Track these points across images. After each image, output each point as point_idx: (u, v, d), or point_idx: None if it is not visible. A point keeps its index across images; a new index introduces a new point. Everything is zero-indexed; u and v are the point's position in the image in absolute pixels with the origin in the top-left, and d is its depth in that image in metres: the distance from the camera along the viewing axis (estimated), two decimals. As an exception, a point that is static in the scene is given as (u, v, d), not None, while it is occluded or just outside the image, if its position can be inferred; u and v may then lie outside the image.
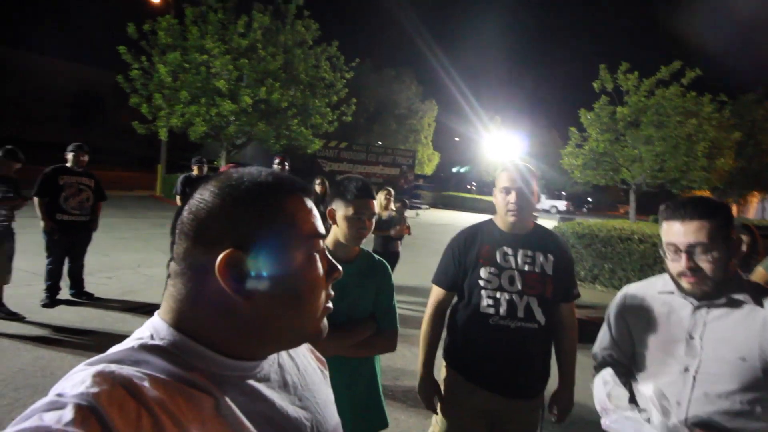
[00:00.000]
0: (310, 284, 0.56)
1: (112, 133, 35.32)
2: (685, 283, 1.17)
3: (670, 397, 1.17)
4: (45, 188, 4.18)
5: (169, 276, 0.54)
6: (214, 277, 0.50)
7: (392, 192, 5.22)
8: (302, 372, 0.66)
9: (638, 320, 1.31)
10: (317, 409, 0.64)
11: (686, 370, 1.16)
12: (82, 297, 4.49)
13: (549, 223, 10.21)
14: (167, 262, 0.55)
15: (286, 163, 5.76)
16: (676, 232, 1.16)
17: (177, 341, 0.50)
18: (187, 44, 11.56)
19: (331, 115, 13.79)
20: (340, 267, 0.61)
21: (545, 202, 33.99)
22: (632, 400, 1.21)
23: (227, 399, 0.51)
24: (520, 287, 1.56)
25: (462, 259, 1.66)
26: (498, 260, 1.60)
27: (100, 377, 0.42)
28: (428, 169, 30.54)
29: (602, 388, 1.26)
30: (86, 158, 4.43)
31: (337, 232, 1.52)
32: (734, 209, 30.45)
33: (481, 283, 1.58)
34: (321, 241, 0.59)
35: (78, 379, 0.43)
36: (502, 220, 1.65)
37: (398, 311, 1.63)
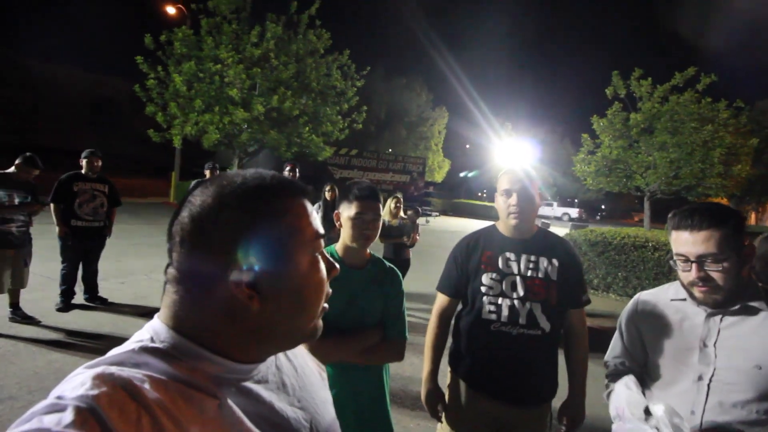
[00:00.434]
0: (315, 286, 0.56)
1: (128, 141, 36.16)
2: (696, 292, 1.15)
3: (684, 406, 1.13)
4: (60, 195, 4.28)
5: (167, 281, 0.53)
6: (217, 282, 0.50)
7: (401, 199, 5.22)
8: (300, 373, 0.67)
9: (651, 328, 1.29)
10: (316, 409, 0.64)
11: (700, 378, 1.14)
12: (95, 302, 4.56)
13: (561, 230, 10.09)
14: (165, 266, 0.54)
15: (297, 170, 5.82)
16: (684, 243, 1.13)
17: (177, 343, 0.50)
18: (202, 54, 11.82)
19: (341, 122, 13.92)
20: (336, 264, 0.61)
21: (557, 210, 33.63)
22: (647, 410, 1.18)
23: (228, 401, 0.50)
24: (522, 293, 1.53)
25: (464, 266, 1.63)
26: (500, 266, 1.57)
27: (100, 379, 0.42)
28: (438, 176, 30.52)
29: (624, 393, 1.23)
30: (99, 163, 4.52)
31: (345, 236, 1.52)
32: (752, 217, 29.73)
33: (483, 289, 1.56)
34: (321, 242, 0.59)
35: (78, 381, 0.43)
36: (505, 224, 1.63)
37: (408, 319, 1.60)
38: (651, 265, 6.80)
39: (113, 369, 0.45)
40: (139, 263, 6.53)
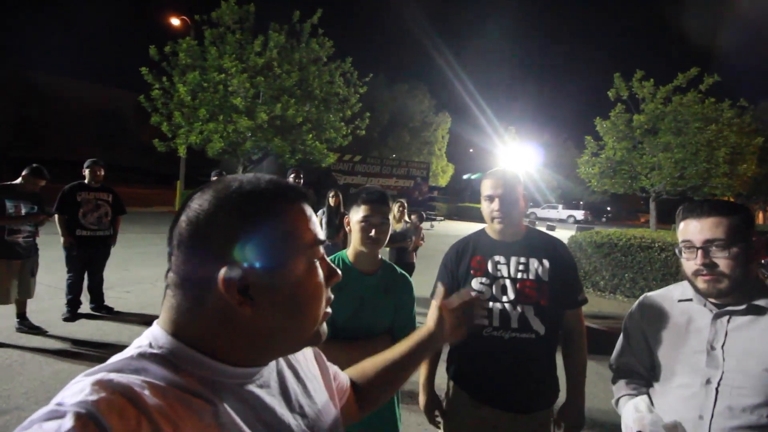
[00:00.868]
0: (311, 292, 0.56)
1: (134, 152, 36.57)
2: (700, 282, 1.11)
3: (692, 411, 1.10)
4: (64, 205, 4.32)
5: (167, 286, 0.53)
6: (214, 287, 0.50)
7: (405, 204, 5.22)
8: (302, 378, 0.66)
9: (656, 329, 1.25)
10: (318, 416, 0.64)
11: (708, 382, 1.10)
12: (102, 311, 4.58)
13: (566, 233, 10.02)
14: (165, 272, 0.54)
15: (302, 176, 5.84)
16: (692, 230, 1.11)
17: (176, 349, 0.50)
18: (206, 64, 11.96)
19: (345, 129, 14.00)
20: (339, 271, 0.60)
21: (562, 212, 33.46)
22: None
23: (226, 406, 0.50)
24: (513, 296, 1.50)
25: (454, 272, 1.61)
26: (489, 270, 1.55)
27: (99, 385, 0.43)
28: (443, 181, 30.52)
29: (632, 415, 1.19)
30: (102, 173, 4.56)
31: (354, 240, 1.52)
32: (760, 216, 29.41)
33: (474, 294, 1.55)
34: (321, 248, 0.58)
35: (77, 388, 0.43)
36: (491, 228, 1.61)
37: (416, 324, 1.59)
38: (658, 266, 6.74)
39: (112, 375, 0.45)
40: (144, 272, 6.56)
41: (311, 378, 0.69)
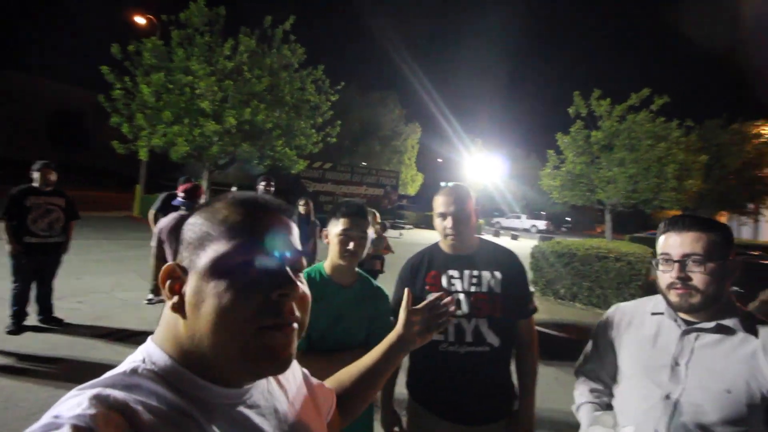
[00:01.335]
0: (226, 295, 0.50)
1: (91, 153, 34.67)
2: (673, 295, 1.12)
3: (648, 424, 1.12)
4: (11, 210, 4.04)
5: (163, 300, 0.56)
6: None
7: (377, 214, 5.27)
8: (291, 398, 0.66)
9: (625, 340, 1.26)
10: None
11: (668, 397, 1.11)
12: (51, 323, 4.31)
13: (530, 242, 10.37)
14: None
15: (272, 184, 5.72)
16: (671, 243, 1.13)
17: (167, 367, 0.51)
18: (172, 65, 11.59)
19: (315, 136, 13.91)
20: (298, 284, 0.56)
21: (525, 222, 34.59)
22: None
23: (215, 428, 0.51)
24: (467, 310, 1.52)
25: (410, 287, 1.60)
26: (444, 284, 1.56)
27: (97, 400, 0.43)
28: (412, 190, 30.83)
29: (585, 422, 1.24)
30: (54, 176, 4.28)
31: (332, 253, 1.53)
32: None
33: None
34: (258, 250, 0.54)
35: (74, 402, 0.43)
36: (445, 243, 1.64)
37: None
38: (613, 275, 7.10)
39: (109, 391, 0.45)
40: (100, 281, 6.23)
41: (301, 399, 0.69)
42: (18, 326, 4.06)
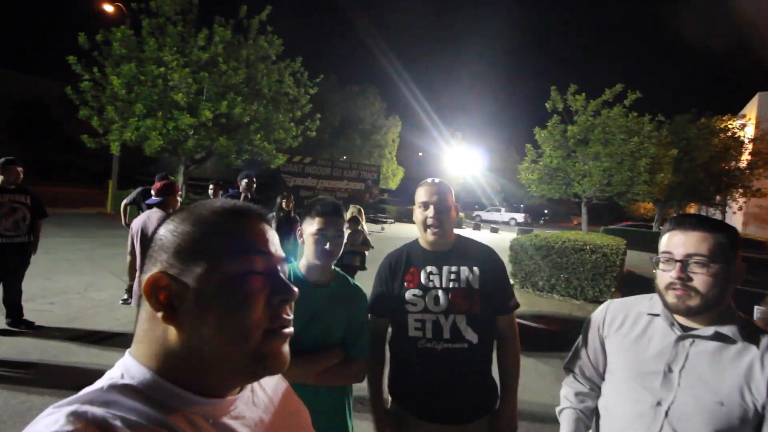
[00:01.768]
0: (238, 302, 0.52)
1: (59, 147, 33.24)
2: (671, 296, 1.07)
3: (637, 429, 1.08)
4: None
5: (138, 312, 0.54)
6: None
7: (361, 210, 5.25)
8: (277, 410, 0.66)
9: (616, 340, 1.21)
10: None
11: (659, 404, 1.07)
12: (20, 326, 4.13)
13: (509, 234, 10.58)
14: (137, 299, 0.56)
15: (254, 181, 5.61)
16: (675, 242, 1.07)
17: (147, 380, 0.50)
18: (143, 56, 11.18)
19: (295, 130, 13.71)
20: (294, 288, 0.58)
21: (505, 215, 35.20)
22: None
23: None
24: (445, 306, 1.50)
25: (389, 284, 1.60)
26: (422, 281, 1.54)
27: (74, 417, 0.42)
28: (393, 184, 30.87)
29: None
30: (19, 173, 4.07)
31: (307, 252, 1.50)
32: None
33: (408, 307, 1.53)
34: (261, 259, 0.56)
35: (51, 420, 0.42)
36: (424, 237, 1.61)
37: None
38: (589, 267, 7.31)
39: (87, 407, 0.44)
40: (72, 280, 6.01)
41: (287, 408, 0.69)
42: (-16, 330, 3.88)
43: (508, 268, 7.40)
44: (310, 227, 1.49)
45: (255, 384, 0.64)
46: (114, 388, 0.48)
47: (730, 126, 21.24)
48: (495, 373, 1.65)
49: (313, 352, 1.43)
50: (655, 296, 1.18)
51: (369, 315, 1.60)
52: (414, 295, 1.53)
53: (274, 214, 5.48)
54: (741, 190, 21.26)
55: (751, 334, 1.05)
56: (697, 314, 1.06)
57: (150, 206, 3.62)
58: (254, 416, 0.60)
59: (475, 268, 1.55)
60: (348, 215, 5.06)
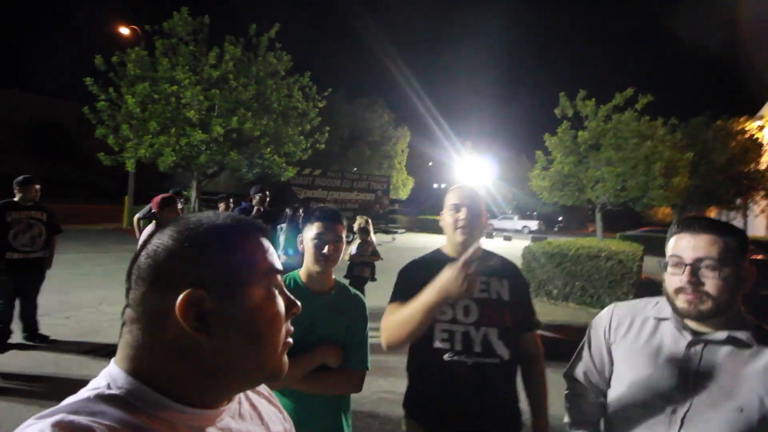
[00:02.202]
0: (270, 320, 0.56)
1: (78, 165, 34.21)
2: (681, 301, 1.03)
3: None
4: None
5: (124, 323, 0.53)
6: (172, 321, 0.50)
7: (368, 219, 5.24)
8: (265, 422, 0.66)
9: (623, 346, 1.17)
10: None
11: (674, 412, 1.03)
12: (35, 340, 4.20)
13: (522, 242, 10.44)
14: (122, 308, 0.55)
15: (267, 195, 5.68)
16: (684, 246, 1.04)
17: (134, 390, 0.50)
18: (157, 75, 11.51)
19: (304, 143, 13.89)
20: (298, 303, 0.62)
21: (517, 223, 34.81)
22: None
23: None
24: (476, 317, 1.41)
25: (415, 288, 1.45)
26: None
27: (59, 427, 0.42)
28: (403, 194, 30.89)
29: None
30: (36, 191, 4.20)
31: (307, 259, 1.50)
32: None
33: (435, 315, 1.43)
34: (279, 277, 0.60)
35: (36, 429, 0.41)
36: (452, 244, 1.54)
37: (374, 339, 1.54)
38: (605, 274, 7.15)
39: (72, 417, 0.43)
40: (87, 295, 6.11)
41: (276, 421, 0.69)
42: (2, 345, 3.94)
43: (521, 276, 7.26)
44: (309, 232, 1.50)
45: (241, 395, 0.64)
46: (100, 398, 0.48)
47: (747, 128, 20.77)
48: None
49: (298, 355, 1.38)
50: (661, 300, 1.15)
51: (388, 302, 1.51)
52: None
53: (284, 226, 5.51)
54: (763, 193, 20.68)
55: (764, 337, 1.02)
56: (709, 318, 1.03)
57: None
58: (241, 428, 0.60)
59: (504, 280, 1.49)
60: (356, 226, 5.06)
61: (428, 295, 1.22)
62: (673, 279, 1.05)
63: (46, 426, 0.41)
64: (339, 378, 1.44)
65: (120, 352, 0.53)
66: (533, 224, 34.22)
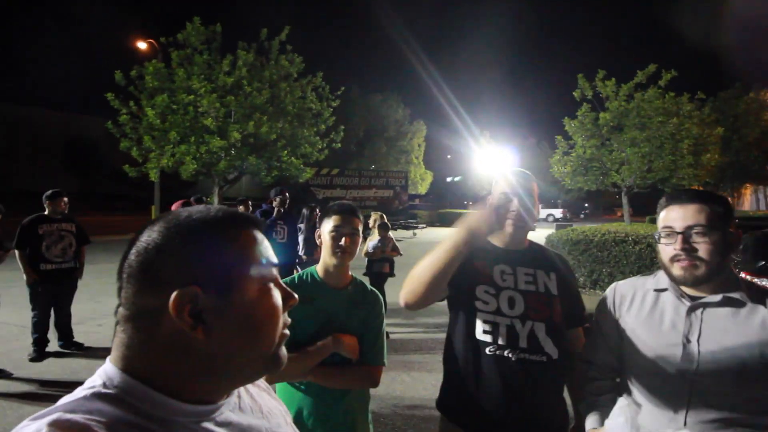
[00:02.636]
0: (266, 314, 0.56)
1: (107, 178, 35.63)
2: (677, 268, 1.11)
3: (668, 404, 1.10)
4: (24, 240, 4.14)
5: (117, 322, 0.53)
6: (166, 318, 0.50)
7: (383, 215, 5.25)
8: (266, 414, 0.66)
9: (630, 320, 1.22)
10: None
11: (683, 375, 1.09)
12: (71, 348, 4.39)
13: (547, 231, 10.19)
14: (115, 307, 0.54)
15: (287, 195, 5.75)
16: (674, 216, 1.12)
17: (129, 388, 0.50)
18: (174, 86, 11.79)
19: (320, 143, 13.98)
20: (296, 294, 0.61)
21: (542, 211, 34.10)
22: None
23: None
24: (522, 310, 1.31)
25: (456, 276, 1.31)
26: (495, 278, 1.36)
27: (56, 426, 0.42)
28: (422, 189, 30.77)
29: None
30: (64, 203, 4.39)
31: (324, 253, 1.51)
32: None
33: (477, 304, 1.33)
34: (274, 270, 0.59)
35: (32, 428, 0.42)
36: (501, 231, 1.41)
37: (397, 335, 1.54)
38: (633, 259, 6.91)
39: (69, 416, 0.43)
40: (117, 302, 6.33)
41: (276, 414, 0.69)
42: (40, 353, 4.14)
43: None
44: (326, 226, 1.51)
45: (241, 388, 0.64)
46: (96, 396, 0.48)
47: (783, 98, 19.64)
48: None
49: (304, 348, 1.39)
50: (659, 273, 1.23)
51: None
52: (486, 291, 1.34)
53: (302, 225, 5.56)
54: (802, 166, 19.54)
55: (756, 295, 1.10)
56: (704, 283, 1.10)
57: None
58: (242, 421, 0.59)
59: (552, 273, 1.40)
60: (371, 222, 5.05)
61: (454, 232, 1.20)
62: (667, 249, 1.13)
63: (43, 425, 0.41)
64: (356, 373, 1.45)
65: (115, 351, 0.53)
66: (557, 212, 33.46)
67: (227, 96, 11.94)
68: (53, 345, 4.34)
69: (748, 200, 31.54)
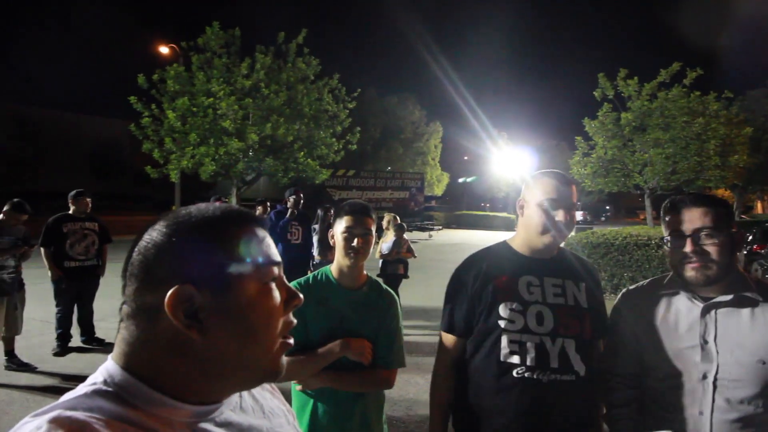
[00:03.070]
0: (265, 314, 0.55)
1: (131, 180, 36.66)
2: (688, 270, 1.12)
3: (692, 407, 1.11)
4: (49, 238, 4.30)
5: (121, 319, 0.53)
6: (164, 317, 0.49)
7: (396, 217, 5.23)
8: (267, 414, 0.65)
9: (646, 325, 1.22)
10: None
11: (704, 377, 1.10)
12: (93, 343, 4.51)
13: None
14: (120, 305, 0.54)
15: (302, 196, 5.80)
16: (680, 220, 1.14)
17: (129, 386, 0.50)
18: (194, 89, 12.05)
19: (336, 144, 14.07)
20: (300, 295, 0.60)
21: (560, 214, 33.48)
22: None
23: None
24: (552, 326, 1.21)
25: (475, 294, 1.28)
26: (521, 293, 1.24)
27: (57, 423, 0.42)
28: (438, 190, 30.62)
29: None
30: (88, 203, 4.54)
31: (337, 254, 1.50)
32: (758, 206, 29.40)
33: (502, 324, 1.22)
34: (276, 269, 0.58)
35: (33, 426, 0.42)
36: (527, 240, 1.31)
37: (411, 337, 1.51)
38: (656, 263, 6.71)
39: (69, 413, 0.43)
40: (138, 300, 6.48)
41: (278, 414, 0.68)
42: (63, 348, 4.27)
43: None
44: (339, 226, 1.50)
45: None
46: (97, 393, 0.48)
47: (817, 96, 18.78)
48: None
49: (310, 351, 1.38)
50: (668, 276, 1.24)
51: (441, 333, 1.41)
52: (511, 309, 1.23)
53: (317, 226, 5.58)
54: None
55: (767, 291, 1.12)
56: (715, 283, 1.12)
57: None
58: (243, 421, 0.59)
59: (582, 283, 1.30)
60: (384, 223, 5.04)
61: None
62: (676, 251, 1.15)
63: (43, 422, 0.41)
64: (370, 375, 1.43)
65: (117, 348, 0.53)
66: (578, 215, 32.79)
67: (245, 98, 12.14)
68: (75, 340, 4.46)
69: (779, 203, 30.25)
